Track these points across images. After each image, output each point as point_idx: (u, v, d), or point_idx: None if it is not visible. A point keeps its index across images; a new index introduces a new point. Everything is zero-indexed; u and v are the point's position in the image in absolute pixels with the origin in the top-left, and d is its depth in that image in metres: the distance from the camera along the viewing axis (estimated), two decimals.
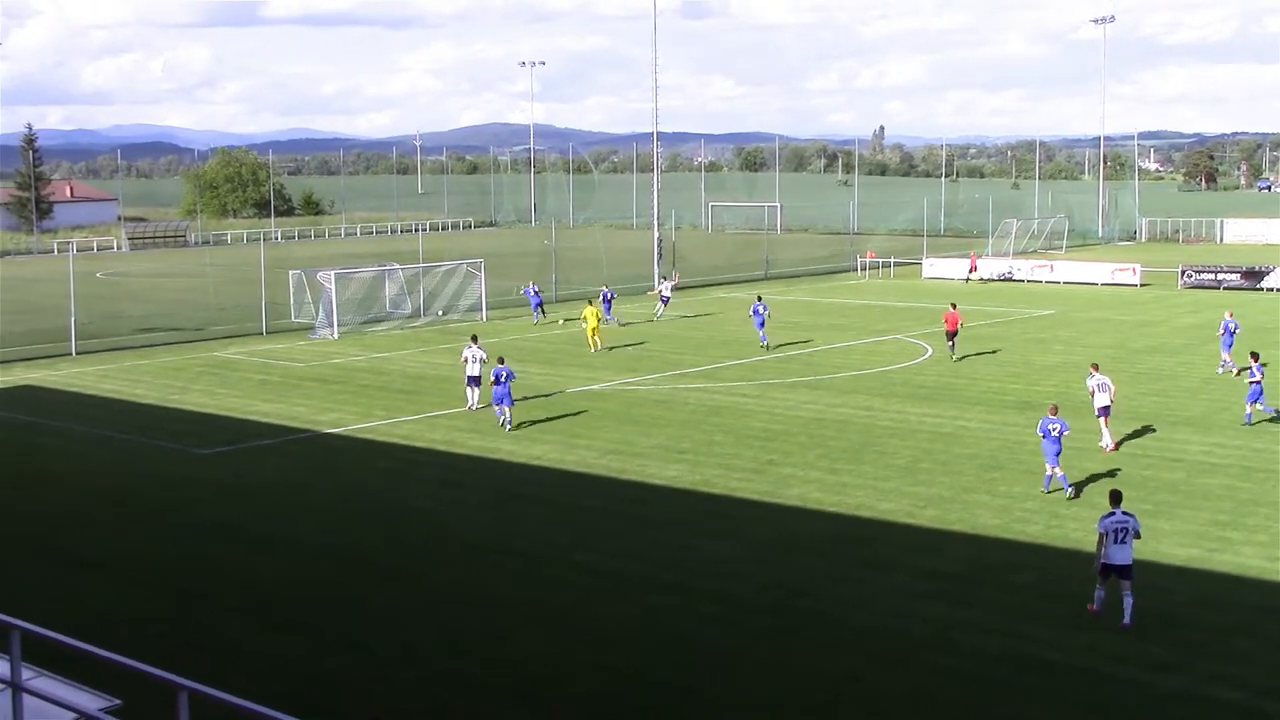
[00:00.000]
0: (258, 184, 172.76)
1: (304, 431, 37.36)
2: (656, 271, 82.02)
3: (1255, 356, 36.94)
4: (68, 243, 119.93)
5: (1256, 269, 78.35)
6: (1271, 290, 74.13)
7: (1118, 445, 33.63)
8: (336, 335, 57.33)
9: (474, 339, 41.18)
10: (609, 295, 60.08)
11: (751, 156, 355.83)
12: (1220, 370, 44.86)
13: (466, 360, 39.92)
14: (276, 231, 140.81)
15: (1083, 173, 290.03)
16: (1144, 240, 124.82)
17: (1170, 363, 47.60)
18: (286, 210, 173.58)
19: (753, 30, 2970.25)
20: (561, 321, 60.33)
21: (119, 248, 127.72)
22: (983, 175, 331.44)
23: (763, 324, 52.48)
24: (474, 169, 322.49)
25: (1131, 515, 21.45)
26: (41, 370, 49.33)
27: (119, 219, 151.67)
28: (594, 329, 52.59)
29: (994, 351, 50.89)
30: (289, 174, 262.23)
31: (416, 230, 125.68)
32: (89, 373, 48.62)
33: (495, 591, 23.46)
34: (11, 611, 10.01)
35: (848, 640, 20.74)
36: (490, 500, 29.80)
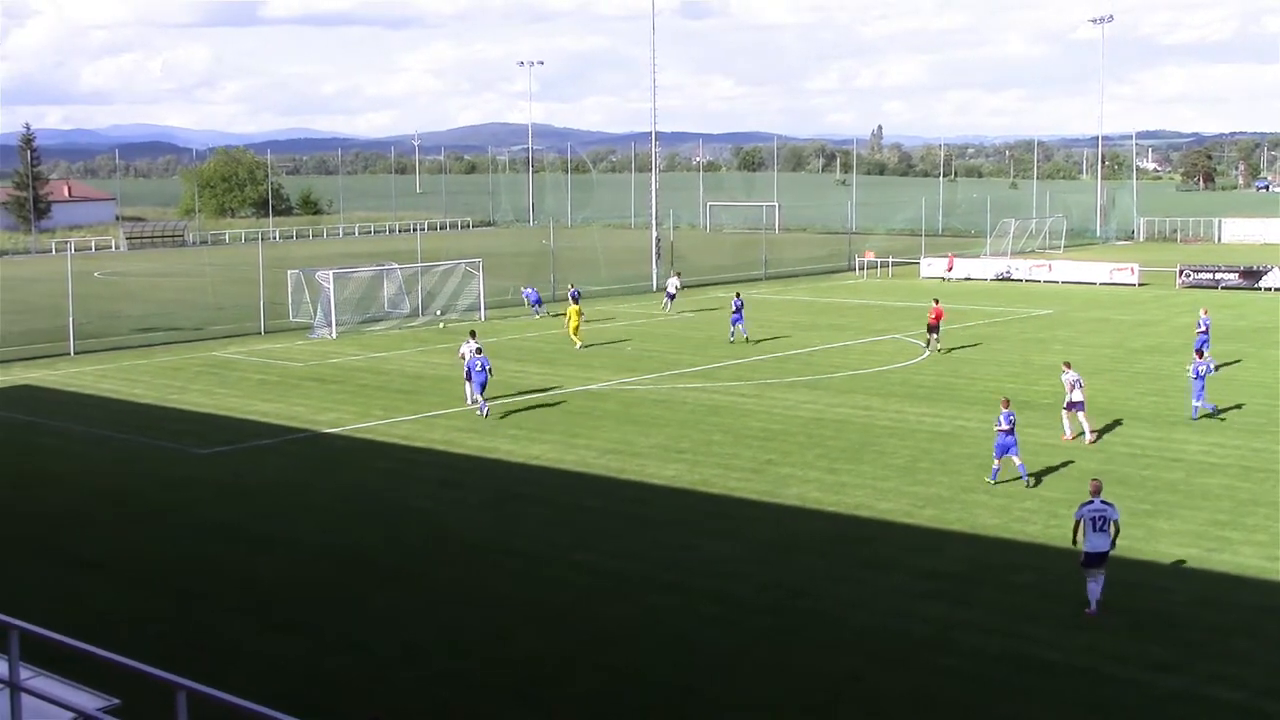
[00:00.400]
0: (256, 184, 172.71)
1: (303, 431, 37.34)
2: (655, 271, 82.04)
3: (1200, 353, 38.06)
4: (66, 242, 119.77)
5: (1254, 268, 78.39)
6: (1270, 290, 74.18)
7: (1098, 436, 34.11)
8: (335, 335, 57.31)
9: (472, 334, 42.23)
10: (575, 294, 60.34)
11: (750, 156, 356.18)
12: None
13: (464, 356, 40.36)
14: (275, 231, 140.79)
15: (1081, 172, 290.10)
16: (1142, 240, 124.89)
17: (1168, 362, 47.59)
18: (285, 210, 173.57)
19: (752, 30, 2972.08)
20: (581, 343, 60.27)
21: (117, 247, 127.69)
22: (981, 175, 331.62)
23: (739, 319, 54.24)
24: (472, 169, 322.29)
25: (1110, 505, 21.89)
26: (40, 370, 49.30)
27: (117, 219, 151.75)
28: (575, 327, 52.90)
29: (993, 351, 50.89)
30: (287, 174, 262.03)
31: (415, 230, 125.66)
32: (87, 372, 48.59)
33: (495, 591, 23.45)
34: (10, 611, 10.00)
35: (847, 640, 20.73)
36: (490, 500, 29.78)
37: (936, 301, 52.82)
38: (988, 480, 29.95)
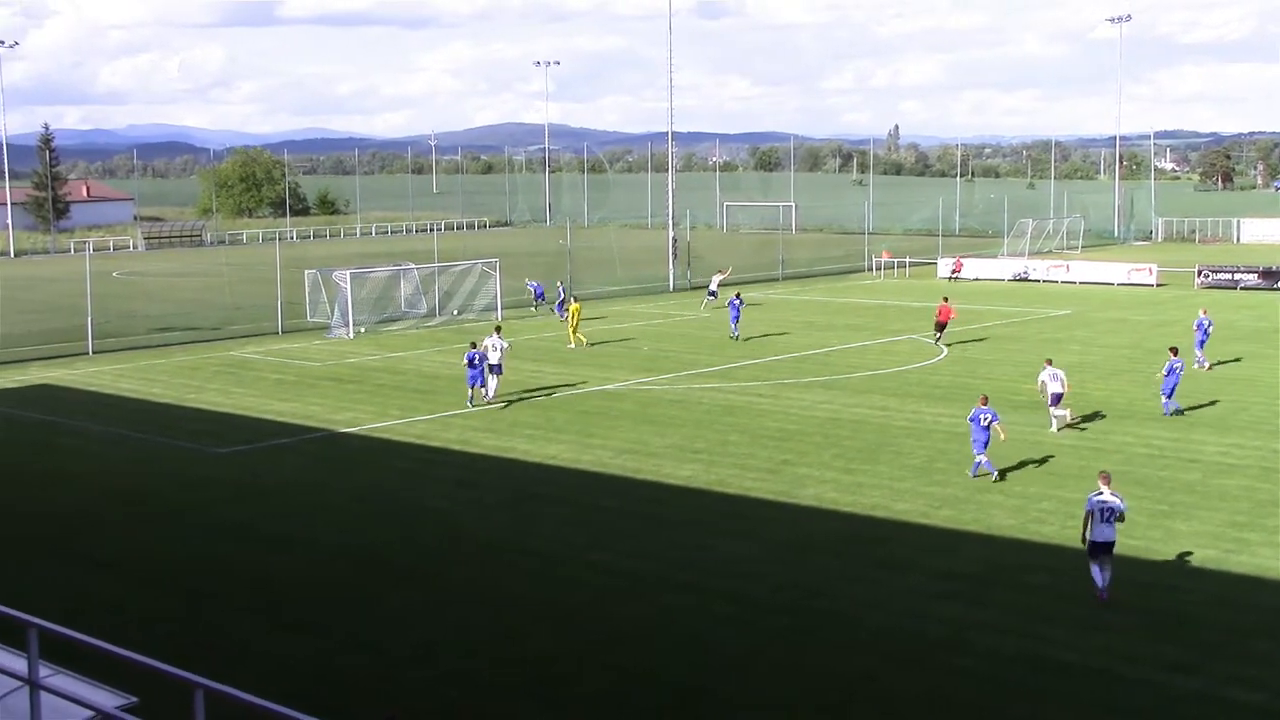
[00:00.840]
0: (273, 184, 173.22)
1: (320, 431, 37.43)
2: (672, 271, 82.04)
3: (1175, 351, 38.28)
4: (84, 242, 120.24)
5: (1274, 269, 78.10)
6: None
7: (1075, 423, 35.12)
8: (352, 335, 57.43)
9: (497, 329, 42.90)
10: (560, 293, 61.98)
11: (766, 156, 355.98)
12: (1195, 366, 45.38)
13: (488, 349, 41.00)
14: (292, 231, 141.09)
15: (1098, 172, 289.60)
16: (1160, 240, 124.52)
17: (1187, 363, 47.34)
18: (302, 210, 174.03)
19: (768, 30, 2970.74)
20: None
21: (135, 247, 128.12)
22: (998, 175, 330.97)
23: (737, 317, 55.41)
24: (489, 169, 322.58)
25: (1119, 496, 22.40)
26: (58, 369, 49.48)
27: (135, 218, 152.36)
28: (574, 327, 52.98)
29: (1009, 351, 50.81)
30: (304, 174, 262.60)
31: (431, 230, 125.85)
32: (105, 372, 48.77)
33: (509, 591, 23.47)
34: (28, 609, 10.04)
35: (863, 640, 20.72)
36: (506, 500, 29.81)
37: (945, 299, 54.70)
38: (978, 476, 30.40)
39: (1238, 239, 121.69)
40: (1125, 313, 64.39)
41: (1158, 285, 78.39)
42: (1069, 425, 35.87)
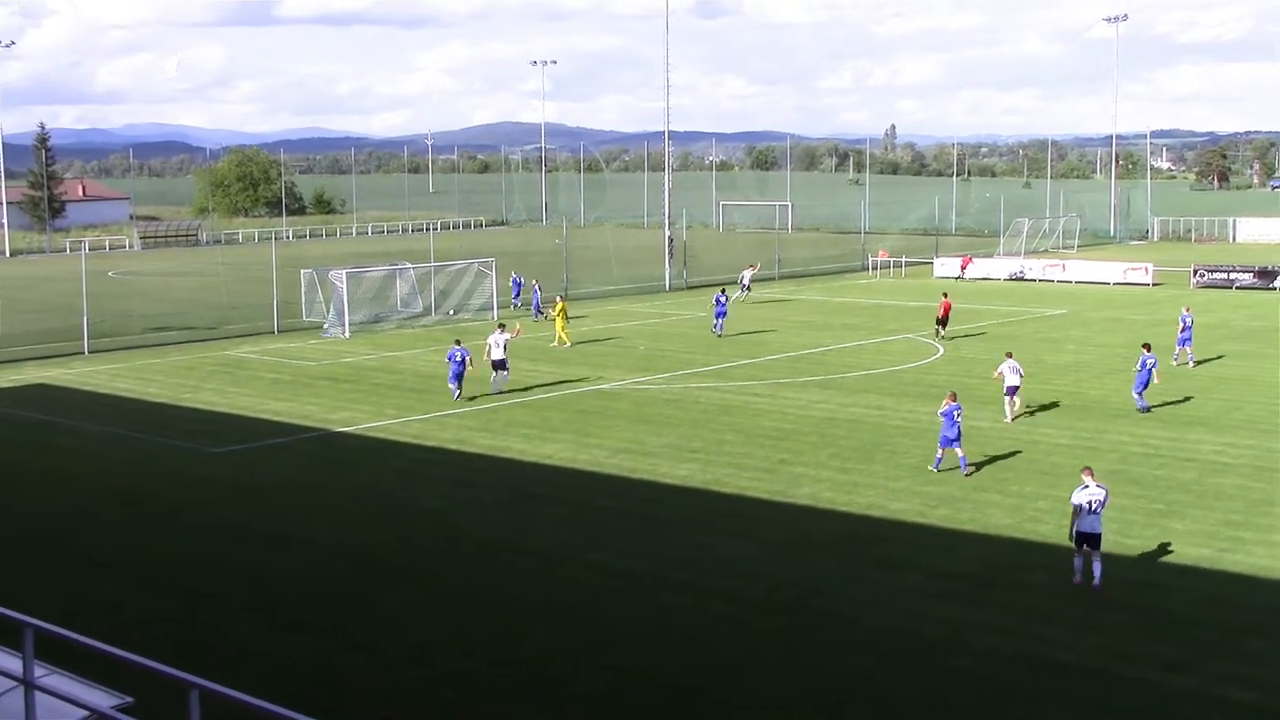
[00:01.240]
0: (270, 183, 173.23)
1: (316, 430, 37.42)
2: (668, 270, 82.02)
3: (1147, 347, 38.64)
4: (80, 242, 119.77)
5: (1269, 268, 78.20)
6: None
7: (1024, 411, 34.35)
8: (348, 334, 57.41)
9: (501, 326, 43.79)
10: (535, 293, 63.65)
11: (763, 155, 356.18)
12: (1173, 362, 46.13)
13: (491, 345, 41.87)
14: (288, 230, 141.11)
15: (1095, 172, 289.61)
16: (1156, 239, 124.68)
17: (1163, 360, 47.44)
18: (298, 209, 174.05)
19: (766, 29, 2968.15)
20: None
21: (131, 247, 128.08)
22: (994, 174, 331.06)
23: (722, 314, 56.18)
24: (485, 168, 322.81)
25: (1104, 488, 23.00)
26: (54, 369, 49.44)
27: (131, 218, 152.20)
28: (561, 325, 52.99)
29: (1005, 351, 50.77)
30: (301, 173, 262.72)
31: (428, 229, 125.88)
32: (101, 371, 48.73)
33: (507, 591, 23.47)
34: (23, 609, 10.04)
35: (860, 641, 20.72)
36: (502, 499, 29.81)
37: (945, 295, 56.77)
38: (933, 468, 31.09)
39: (1233, 238, 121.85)
40: (1121, 312, 64.45)
41: (1153, 285, 78.47)
42: (1020, 414, 37.48)
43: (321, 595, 23.42)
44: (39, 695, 9.66)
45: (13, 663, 10.15)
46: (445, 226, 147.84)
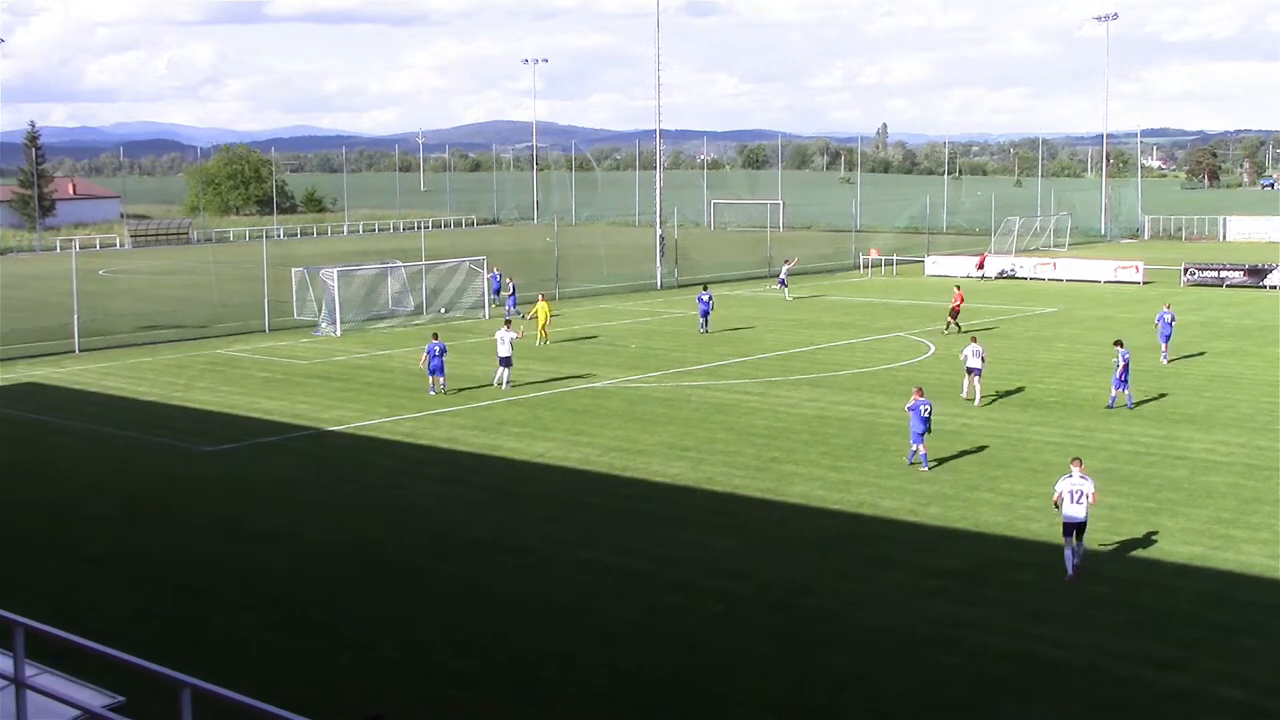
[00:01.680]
0: (260, 181, 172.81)
1: (307, 429, 37.37)
2: (659, 269, 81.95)
3: (1119, 344, 39.04)
4: (70, 240, 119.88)
5: (1259, 267, 78.35)
6: (1274, 288, 74.13)
7: (982, 395, 33.88)
8: (339, 333, 57.34)
9: (507, 323, 44.62)
10: (512, 287, 64.08)
11: (754, 154, 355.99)
12: (1164, 361, 46.80)
13: (499, 341, 42.65)
14: (279, 229, 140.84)
15: (1086, 170, 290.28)
16: (1147, 238, 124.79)
17: (1173, 361, 47.53)
18: (289, 208, 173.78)
19: (757, 28, 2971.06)
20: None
21: (121, 245, 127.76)
22: (985, 173, 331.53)
23: (706, 313, 56.80)
24: (476, 166, 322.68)
25: (1088, 478, 23.57)
26: (45, 368, 49.34)
27: (121, 216, 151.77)
28: (543, 324, 52.81)
29: (997, 349, 50.87)
30: (292, 171, 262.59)
31: (419, 228, 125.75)
32: (92, 370, 48.64)
33: (499, 589, 23.46)
34: (14, 607, 10.01)
35: (851, 639, 20.73)
36: (494, 497, 29.80)
37: (958, 288, 59.22)
38: (907, 462, 31.54)
39: (1224, 236, 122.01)
40: (1112, 310, 64.52)
41: (1144, 283, 78.53)
42: (983, 399, 39.66)
43: (316, 593, 23.40)
44: (30, 695, 9.64)
45: (3, 662, 10.13)
46: (436, 225, 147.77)
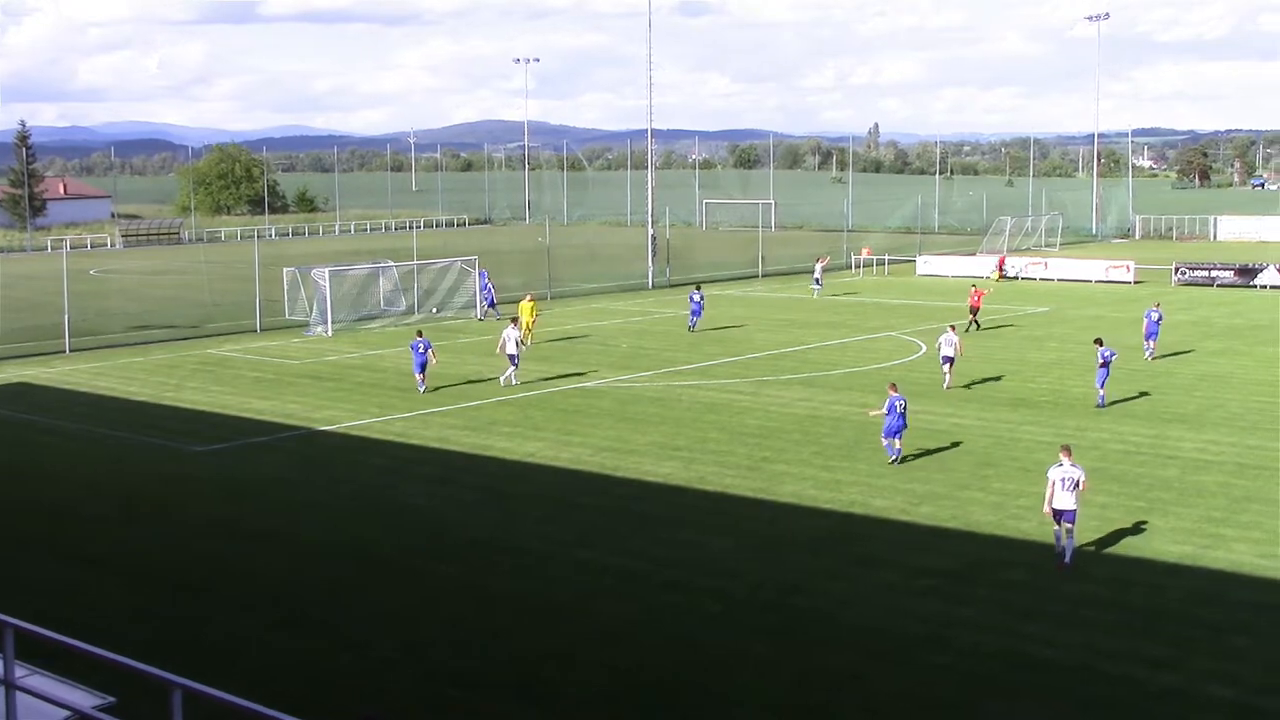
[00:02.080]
0: (252, 181, 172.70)
1: (299, 429, 37.34)
2: (651, 268, 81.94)
3: (1100, 342, 39.39)
4: (61, 240, 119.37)
5: (1250, 266, 78.54)
6: (1265, 288, 74.30)
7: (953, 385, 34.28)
8: (331, 332, 57.30)
9: (514, 321, 45.23)
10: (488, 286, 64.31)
11: (746, 154, 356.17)
12: (1148, 358, 47.36)
13: (504, 339, 42.99)
14: (271, 228, 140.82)
15: (1077, 170, 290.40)
16: (1138, 237, 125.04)
17: (1163, 360, 47.63)
18: (281, 208, 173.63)
19: (749, 28, 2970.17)
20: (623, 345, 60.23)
21: (112, 245, 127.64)
22: (977, 173, 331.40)
23: (697, 312, 57.07)
24: (468, 166, 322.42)
25: (1079, 467, 24.21)
26: (35, 368, 49.25)
27: (113, 216, 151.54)
28: (528, 325, 52.56)
29: (988, 349, 50.95)
30: (283, 171, 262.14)
31: (411, 227, 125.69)
32: (83, 370, 48.56)
33: (495, 589, 23.45)
34: (7, 608, 10.01)
35: (844, 638, 20.74)
36: (487, 497, 29.79)
37: (975, 286, 60.64)
38: (890, 461, 31.73)
39: (1214, 236, 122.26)
40: (1103, 310, 64.62)
41: (1135, 282, 78.69)
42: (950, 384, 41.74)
43: (310, 593, 23.38)
44: (20, 696, 9.63)
45: None
46: (428, 225, 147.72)
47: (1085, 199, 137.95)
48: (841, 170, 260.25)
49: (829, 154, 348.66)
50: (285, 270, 64.99)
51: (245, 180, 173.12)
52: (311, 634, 21.35)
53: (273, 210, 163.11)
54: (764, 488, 29.87)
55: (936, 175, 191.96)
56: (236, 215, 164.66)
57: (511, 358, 42.92)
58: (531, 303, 54.24)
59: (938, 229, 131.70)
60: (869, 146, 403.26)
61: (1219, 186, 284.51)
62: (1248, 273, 77.35)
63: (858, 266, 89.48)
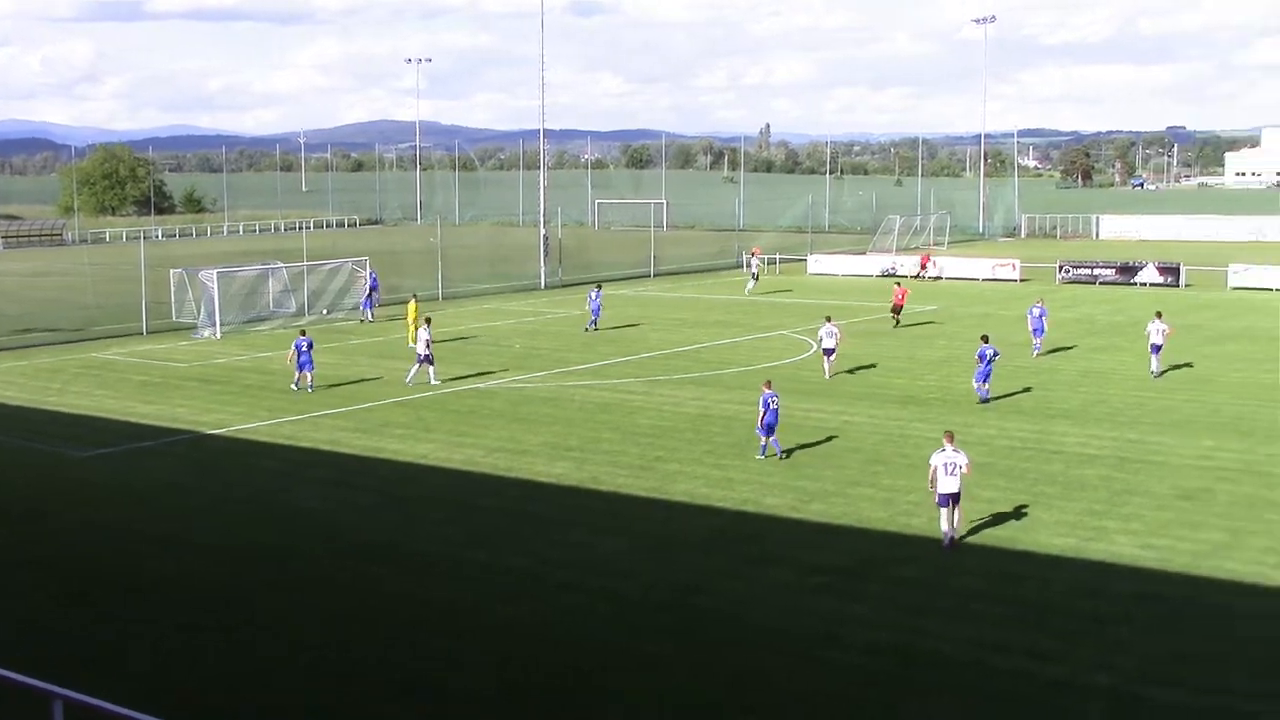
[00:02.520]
0: (138, 181, 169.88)
1: (186, 433, 36.78)
2: (543, 268, 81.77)
3: (986, 339, 39.91)
4: None
5: (1130, 264, 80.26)
6: (1145, 285, 75.92)
7: (834, 371, 34.84)
8: (219, 335, 56.53)
9: (428, 321, 44.96)
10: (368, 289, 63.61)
11: (638, 154, 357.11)
12: (1035, 354, 48.32)
13: (418, 340, 43.59)
14: (158, 230, 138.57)
15: (964, 170, 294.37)
16: (1024, 236, 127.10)
17: (1048, 357, 48.48)
18: (168, 208, 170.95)
19: (642, 27, 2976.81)
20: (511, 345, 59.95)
21: None
22: (867, 172, 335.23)
23: (597, 312, 57.48)
24: (359, 166, 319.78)
25: (961, 452, 25.31)
26: None
27: None
28: (413, 325, 52.49)
29: (878, 346, 51.52)
30: (170, 171, 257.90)
31: (300, 228, 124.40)
32: None
33: (388, 590, 23.26)
34: None
35: (740, 637, 20.83)
36: (379, 500, 29.55)
37: (899, 283, 61.90)
38: (767, 457, 32.16)
39: (1097, 235, 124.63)
40: (990, 308, 65.61)
41: (1021, 280, 80.00)
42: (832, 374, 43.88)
43: (199, 598, 22.99)
44: None
45: None
46: (319, 225, 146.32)
47: (972, 198, 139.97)
48: (733, 170, 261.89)
49: (721, 154, 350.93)
50: (172, 272, 63.95)
51: (131, 180, 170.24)
52: (199, 638, 20.99)
53: (159, 211, 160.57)
54: (657, 487, 29.95)
55: (827, 175, 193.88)
56: (122, 216, 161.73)
57: (425, 357, 43.11)
58: (415, 304, 53.95)
59: (828, 228, 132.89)
60: (761, 146, 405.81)
61: (1101, 186, 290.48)
62: (1128, 270, 79.04)
63: (748, 266, 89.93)
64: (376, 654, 20.19)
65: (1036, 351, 48.48)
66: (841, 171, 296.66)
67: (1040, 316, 49.20)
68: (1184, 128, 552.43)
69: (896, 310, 58.00)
